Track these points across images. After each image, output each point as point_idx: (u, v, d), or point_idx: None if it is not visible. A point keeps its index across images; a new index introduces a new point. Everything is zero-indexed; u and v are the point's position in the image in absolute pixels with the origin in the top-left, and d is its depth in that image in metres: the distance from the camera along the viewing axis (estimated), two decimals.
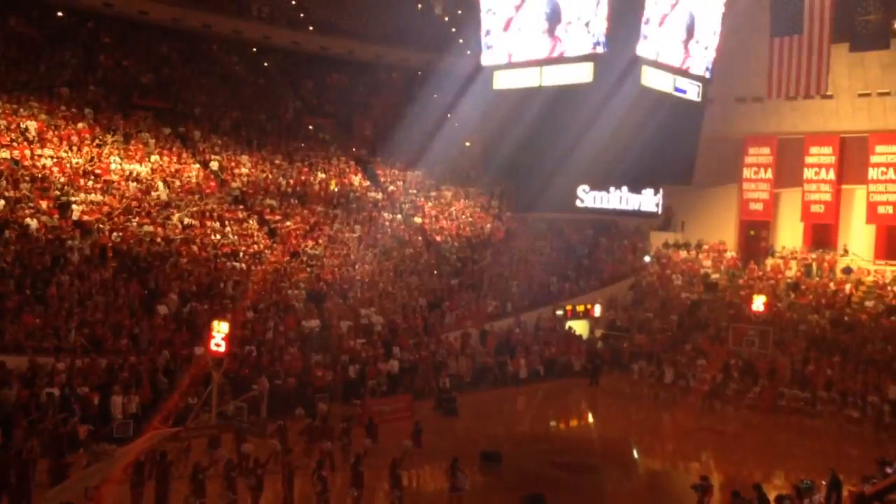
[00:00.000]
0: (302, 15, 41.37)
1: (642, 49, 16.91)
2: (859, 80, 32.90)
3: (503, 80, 18.68)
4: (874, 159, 33.45)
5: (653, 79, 17.56)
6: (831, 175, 34.93)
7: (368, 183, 38.33)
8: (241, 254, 29.11)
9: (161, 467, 15.67)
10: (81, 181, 28.46)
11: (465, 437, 23.18)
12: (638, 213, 19.04)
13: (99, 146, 30.73)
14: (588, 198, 18.60)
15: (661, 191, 18.96)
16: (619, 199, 18.62)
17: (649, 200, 18.87)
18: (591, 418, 28.97)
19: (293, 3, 41.24)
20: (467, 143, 39.81)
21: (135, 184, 29.79)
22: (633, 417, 27.81)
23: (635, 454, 23.89)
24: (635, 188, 18.59)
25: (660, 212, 19.33)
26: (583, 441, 25.20)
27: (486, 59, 18.87)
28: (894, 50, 29.43)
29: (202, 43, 38.90)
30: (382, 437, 20.05)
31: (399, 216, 36.65)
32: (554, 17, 17.35)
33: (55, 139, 29.80)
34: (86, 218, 26.86)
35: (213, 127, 36.00)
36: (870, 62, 31.59)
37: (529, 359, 30.45)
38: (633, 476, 21.88)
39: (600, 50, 16.61)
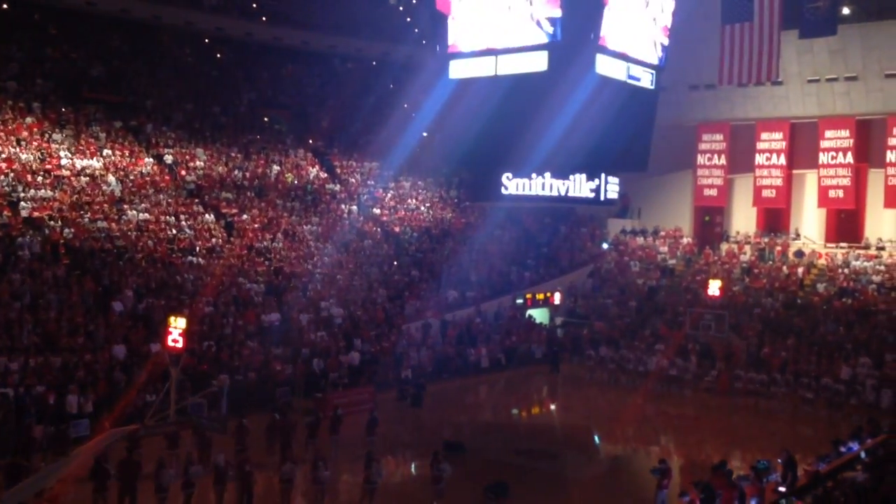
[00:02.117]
0: (255, 5, 40.81)
1: (596, 37, 16.98)
2: (808, 67, 33.49)
3: (459, 70, 18.63)
4: (824, 144, 34.09)
5: (607, 67, 17.66)
6: (782, 160, 35.53)
7: (326, 175, 38.08)
8: (198, 248, 28.75)
9: (128, 468, 15.41)
10: (30, 177, 27.83)
11: (427, 428, 23.23)
12: (566, 200, 18.54)
13: (48, 141, 30.07)
14: (511, 185, 18.63)
15: (601, 176, 18.22)
16: (541, 185, 18.48)
17: (581, 186, 18.23)
18: (552, 405, 29.22)
19: None
20: (425, 134, 39.71)
21: (86, 179, 29.22)
22: (593, 403, 28.10)
23: (596, 440, 24.15)
24: (561, 174, 18.20)
25: (602, 197, 18.38)
26: (544, 428, 25.39)
27: (442, 49, 18.81)
28: (842, 36, 29.92)
29: (153, 34, 38.17)
30: (345, 429, 20.00)
31: (357, 208, 36.48)
32: (509, 6, 17.35)
33: (2, 135, 29.09)
34: (36, 214, 26.30)
35: (166, 120, 35.41)
36: (818, 49, 32.16)
37: (490, 348, 30.59)
38: (595, 461, 22.11)
39: (555, 38, 16.66)
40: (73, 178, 28.93)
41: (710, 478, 15.99)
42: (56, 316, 22.56)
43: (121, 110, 34.21)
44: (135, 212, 28.96)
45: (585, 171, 18.06)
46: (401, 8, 43.18)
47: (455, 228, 37.66)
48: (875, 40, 31.57)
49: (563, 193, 18.32)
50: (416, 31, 38.96)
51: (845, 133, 33.68)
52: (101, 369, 21.27)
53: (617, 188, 18.99)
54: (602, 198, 18.30)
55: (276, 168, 36.18)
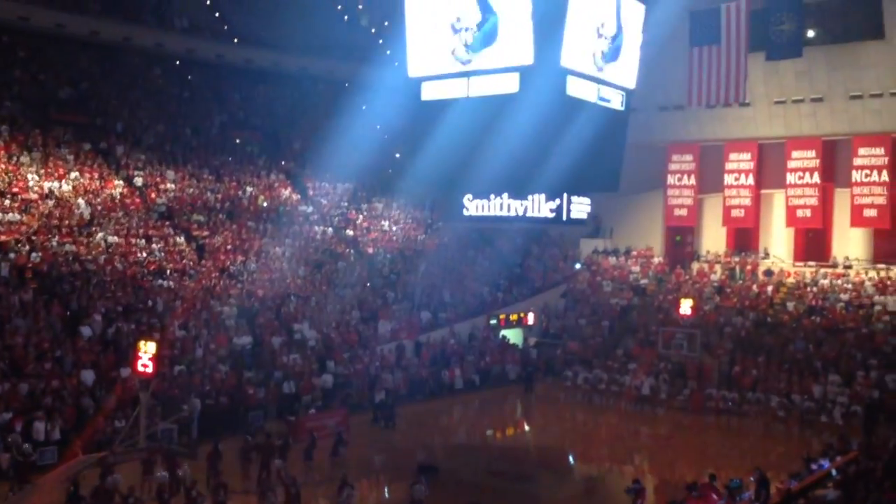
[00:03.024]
0: (225, 27, 40.79)
1: (567, 60, 17.17)
2: (775, 88, 34.01)
3: (431, 91, 18.76)
4: (791, 164, 34.58)
5: (578, 89, 17.86)
6: (751, 180, 35.97)
7: (298, 196, 37.95)
8: (169, 271, 28.46)
9: (101, 496, 15.15)
10: None
11: (401, 450, 23.08)
12: (525, 220, 18.51)
13: (16, 164, 29.69)
14: (472, 206, 18.72)
15: (562, 196, 18.21)
16: (499, 206, 18.55)
17: (541, 206, 18.23)
18: (526, 426, 29.18)
19: (216, 15, 40.64)
20: (397, 155, 39.75)
21: (54, 202, 28.87)
22: (567, 424, 28.12)
23: (570, 460, 24.14)
24: (519, 195, 18.28)
25: (564, 217, 18.35)
26: (519, 449, 25.34)
27: (414, 71, 18.91)
28: (807, 58, 30.50)
29: (122, 56, 37.97)
30: (318, 452, 19.83)
31: (330, 229, 36.37)
32: (479, 29, 17.48)
33: None
34: (3, 238, 25.91)
35: (137, 142, 35.11)
36: (784, 71, 32.69)
37: (464, 369, 30.53)
38: (569, 482, 22.09)
39: (526, 61, 16.81)
40: (40, 202, 28.57)
41: (701, 488, 16.17)
42: (23, 341, 22.17)
43: (90, 132, 33.88)
44: (104, 235, 28.63)
45: (546, 192, 18.09)
46: (373, 30, 43.39)
47: (428, 249, 37.64)
48: (840, 62, 32.16)
49: (520, 214, 18.37)
50: (388, 52, 39.12)
51: (812, 153, 34.20)
52: (68, 395, 20.92)
53: (587, 208, 19.02)
54: (565, 217, 18.28)
55: (248, 190, 35.99)
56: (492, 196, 18.55)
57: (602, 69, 18.33)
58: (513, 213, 18.44)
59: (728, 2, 28.29)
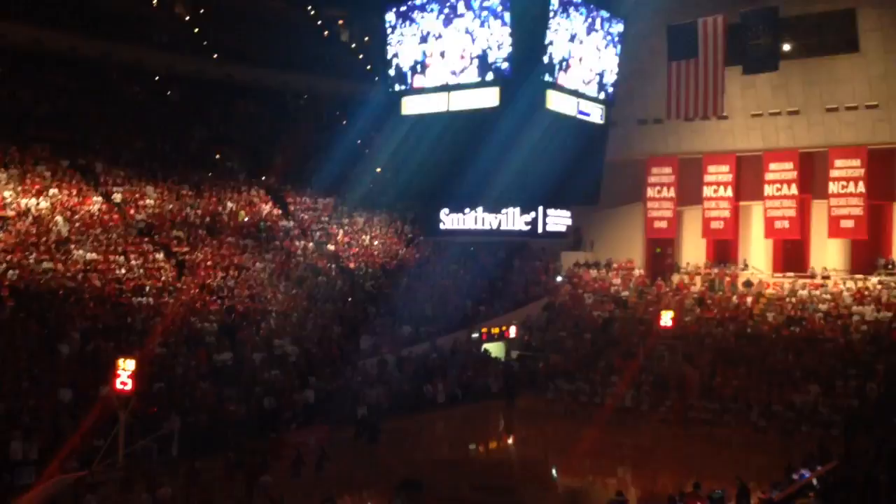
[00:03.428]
0: (205, 42, 40.80)
1: (546, 74, 17.27)
2: (752, 102, 34.37)
3: (411, 106, 18.77)
4: (769, 176, 34.90)
5: (557, 102, 17.95)
6: (729, 192, 36.25)
7: (279, 211, 37.86)
8: (148, 288, 28.26)
9: None
10: None
11: (384, 465, 22.97)
12: (499, 233, 18.55)
13: None
14: (448, 220, 18.81)
15: (537, 209, 18.20)
16: (474, 220, 18.67)
17: (515, 219, 18.27)
18: (509, 439, 29.14)
19: (195, 31, 40.67)
20: (378, 169, 39.82)
21: (31, 219, 28.63)
22: (550, 436, 28.10)
23: (553, 473, 24.11)
24: (493, 208, 18.31)
25: (540, 230, 18.33)
26: (502, 463, 25.31)
27: (394, 85, 18.95)
28: (784, 72, 30.85)
29: (101, 72, 37.83)
30: (303, 468, 19.73)
31: (311, 244, 36.29)
32: (459, 44, 17.56)
33: None
34: None
35: (116, 158, 34.93)
36: (761, 84, 33.05)
37: (446, 383, 30.47)
38: (552, 495, 22.06)
39: (506, 75, 16.89)
40: (18, 219, 28.32)
41: (686, 498, 16.24)
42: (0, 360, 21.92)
43: (68, 149, 33.67)
44: (82, 252, 28.41)
45: (520, 205, 18.15)
46: (353, 45, 43.60)
47: (410, 264, 37.64)
48: (815, 76, 32.59)
49: (495, 227, 18.45)
50: (369, 68, 39.26)
51: (789, 165, 34.55)
52: (46, 414, 20.68)
53: (566, 221, 19.03)
54: (540, 230, 18.30)
55: (228, 205, 35.86)
56: (467, 210, 18.63)
57: (581, 83, 18.43)
58: (487, 227, 18.52)
59: (705, 17, 28.61)
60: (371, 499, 20.30)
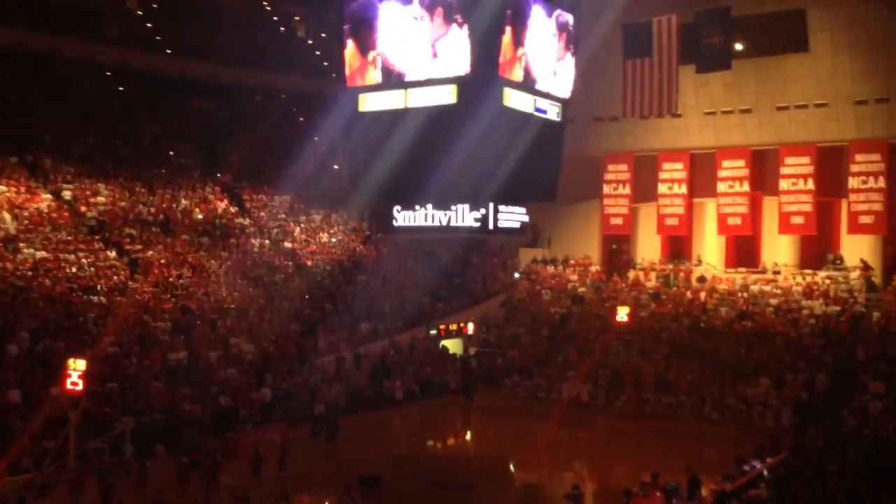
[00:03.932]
0: (158, 38, 40.16)
1: (504, 71, 17.33)
2: (705, 100, 34.89)
3: (369, 103, 18.71)
4: (721, 174, 35.44)
5: (514, 100, 18.01)
6: (683, 189, 36.74)
7: (235, 209, 37.46)
8: (100, 287, 27.77)
9: None
10: None
11: (342, 462, 22.88)
12: (449, 230, 18.51)
13: None
14: (400, 217, 18.85)
15: (488, 206, 18.05)
16: (424, 216, 18.72)
17: (465, 216, 18.16)
18: (467, 435, 29.22)
19: (148, 25, 40.01)
20: (336, 166, 39.60)
21: None
22: (507, 432, 28.22)
23: (511, 468, 24.24)
24: (442, 205, 18.30)
25: (491, 226, 18.19)
26: (460, 459, 25.37)
27: (351, 82, 18.87)
28: (736, 71, 31.35)
29: (51, 67, 37.01)
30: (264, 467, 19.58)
31: (268, 242, 35.98)
32: (417, 41, 17.55)
33: None
34: None
35: (65, 154, 34.25)
36: (714, 83, 33.56)
37: (405, 379, 30.45)
38: (510, 489, 22.19)
39: (463, 73, 16.92)
40: None
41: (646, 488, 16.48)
42: None
43: (16, 145, 32.90)
44: (31, 250, 27.82)
45: (469, 202, 18.16)
46: (310, 41, 43.23)
47: (367, 261, 37.52)
48: (767, 74, 33.17)
49: (444, 224, 18.47)
50: (326, 64, 38.99)
51: (741, 163, 35.13)
52: None
53: (521, 217, 19.08)
54: (491, 227, 18.33)
55: (182, 202, 35.38)
56: (417, 207, 18.64)
57: (538, 81, 18.54)
58: (437, 224, 18.53)
59: (659, 16, 28.96)
60: (329, 496, 20.19)
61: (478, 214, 18.01)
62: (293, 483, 18.95)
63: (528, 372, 31.88)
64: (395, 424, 28.93)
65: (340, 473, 20.95)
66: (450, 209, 18.17)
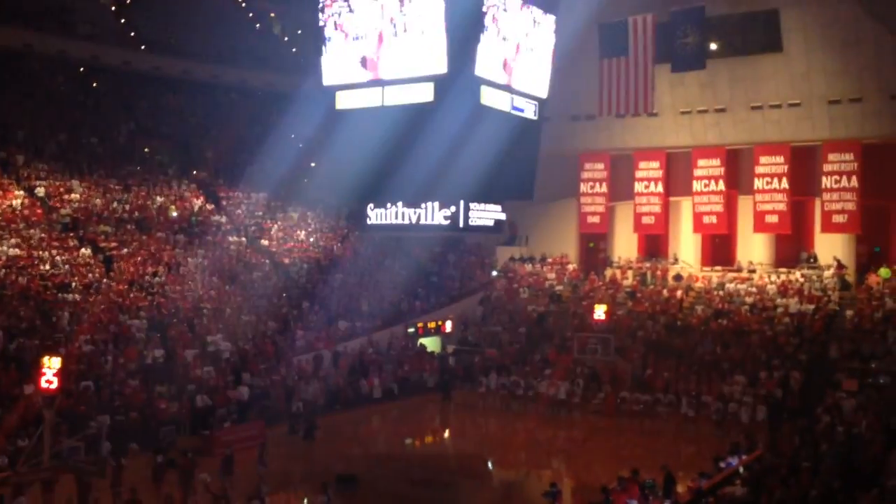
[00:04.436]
0: (132, 34, 39.80)
1: (481, 69, 17.35)
2: (681, 99, 35.13)
3: (345, 101, 18.66)
4: (697, 172, 35.69)
5: (491, 98, 18.05)
6: (659, 188, 36.95)
7: (211, 206, 37.19)
8: (74, 284, 27.47)
9: None
10: None
11: (320, 461, 22.82)
12: (419, 227, 18.59)
13: None
14: (373, 215, 18.87)
15: (458, 203, 18.05)
16: (394, 214, 18.73)
17: (434, 213, 18.21)
18: (445, 434, 29.24)
19: (121, 21, 39.64)
20: (313, 164, 39.44)
21: None
22: (485, 430, 28.32)
23: (489, 466, 24.29)
24: (412, 203, 18.34)
25: (461, 224, 18.20)
26: (438, 457, 25.39)
27: (328, 79, 18.80)
28: (711, 70, 31.61)
29: (23, 62, 36.52)
30: (238, 465, 19.45)
31: (244, 239, 35.77)
32: (394, 38, 17.52)
33: None
34: None
35: (38, 151, 33.85)
36: (689, 82, 33.79)
37: (383, 378, 30.41)
38: (488, 488, 22.23)
39: (440, 71, 16.92)
40: None
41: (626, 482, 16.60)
42: None
43: None
44: (4, 248, 27.47)
45: (439, 199, 18.15)
46: (286, 38, 43.05)
47: (345, 259, 37.40)
48: (741, 74, 33.46)
49: (414, 221, 18.46)
50: (302, 61, 38.83)
51: (716, 162, 35.40)
52: None
53: (495, 215, 19.07)
54: (461, 224, 18.29)
55: (158, 200, 35.08)
56: (388, 205, 18.63)
57: (515, 79, 18.58)
58: (407, 221, 18.51)
59: (635, 15, 29.10)
60: (306, 495, 20.11)
61: (448, 212, 18.01)
62: (271, 481, 18.82)
63: (505, 370, 31.94)
64: (373, 423, 28.90)
65: (318, 472, 20.91)
66: (419, 207, 18.17)
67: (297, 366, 28.63)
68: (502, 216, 19.52)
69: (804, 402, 26.38)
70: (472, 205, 18.25)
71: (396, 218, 18.57)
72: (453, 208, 18.01)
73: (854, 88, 31.86)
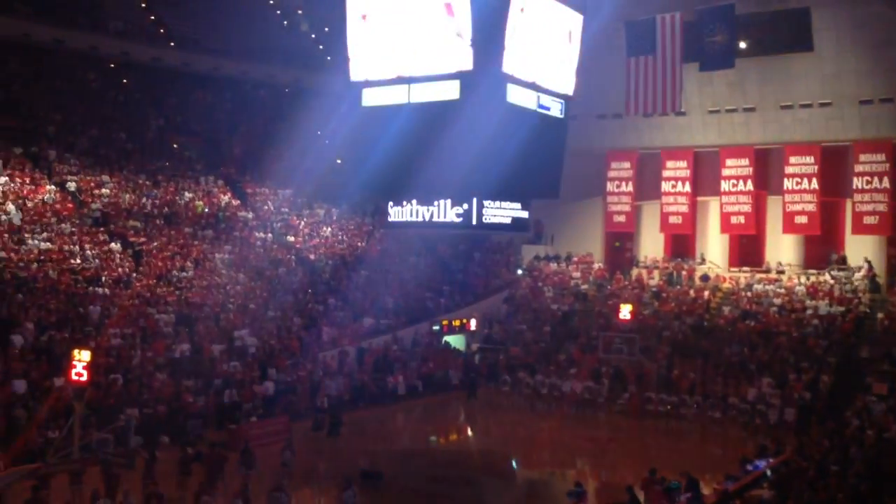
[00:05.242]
0: (162, 30, 40.18)
1: (507, 67, 17.34)
2: (709, 98, 34.88)
3: (371, 97, 18.74)
4: (725, 172, 35.43)
5: (517, 96, 18.04)
6: (687, 188, 36.72)
7: (238, 202, 37.47)
8: (104, 278, 27.81)
9: None
10: None
11: (344, 457, 22.91)
12: (432, 225, 18.67)
13: None
14: (392, 213, 18.93)
15: (471, 201, 18.07)
16: (409, 212, 18.74)
17: (447, 211, 18.26)
18: (469, 431, 29.25)
19: (151, 18, 40.03)
20: (338, 161, 39.59)
21: None
22: (509, 429, 28.25)
23: (513, 465, 24.27)
24: (426, 200, 18.42)
25: (473, 221, 18.21)
26: (462, 455, 25.38)
27: (355, 76, 18.87)
28: (740, 69, 31.34)
29: (55, 59, 37.00)
30: (260, 461, 19.55)
31: (271, 235, 35.99)
32: (421, 36, 17.54)
33: None
34: None
35: (69, 146, 34.27)
36: (718, 81, 33.55)
37: (407, 375, 30.48)
38: (512, 486, 22.20)
39: (466, 68, 16.91)
40: None
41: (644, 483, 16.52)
42: None
43: (21, 136, 32.94)
44: (36, 241, 27.86)
45: (451, 196, 18.13)
46: (313, 35, 43.22)
47: (370, 256, 37.51)
48: (770, 73, 33.14)
49: (427, 219, 18.48)
50: (329, 58, 38.99)
51: (745, 161, 35.11)
52: None
53: (511, 213, 19.00)
54: (474, 222, 18.24)
55: (186, 195, 35.40)
56: (404, 203, 18.69)
57: (541, 77, 18.53)
58: (421, 219, 18.57)
59: (663, 13, 28.90)
60: (329, 490, 20.22)
61: (460, 210, 18.00)
62: (294, 476, 18.94)
63: (530, 369, 31.89)
64: (398, 420, 28.95)
65: (342, 468, 20.99)
66: (432, 204, 18.21)
67: (322, 362, 28.77)
68: (523, 214, 19.44)
69: (833, 404, 26.11)
70: (485, 202, 18.22)
71: (412, 216, 18.66)
72: (465, 206, 18.01)
73: (885, 88, 31.49)
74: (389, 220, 19.33)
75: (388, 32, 18.11)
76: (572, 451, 25.53)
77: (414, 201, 18.58)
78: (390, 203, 19.03)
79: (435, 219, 18.36)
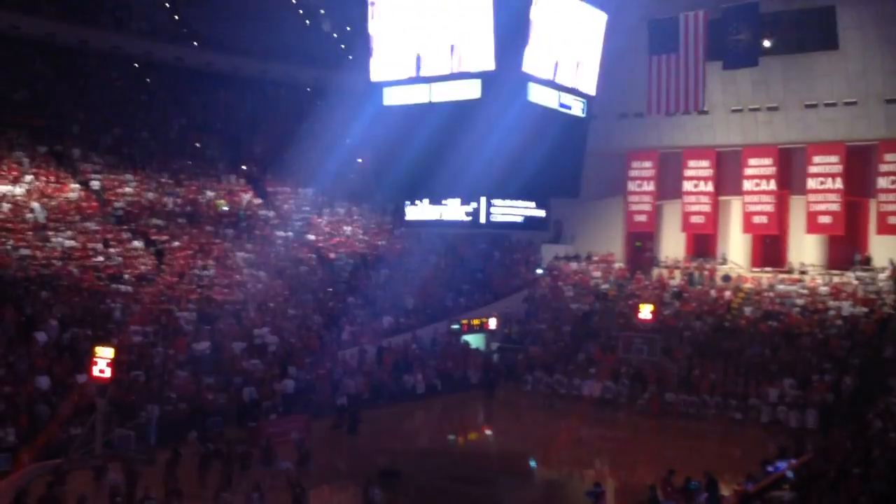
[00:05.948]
0: (185, 30, 40.47)
1: (528, 66, 17.29)
2: (732, 97, 34.61)
3: (393, 97, 18.74)
4: (748, 172, 35.17)
5: (539, 95, 17.99)
6: (709, 187, 36.49)
7: (260, 201, 37.67)
8: (126, 276, 28.06)
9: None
10: None
11: (363, 455, 23.00)
12: (442, 224, 18.73)
13: None
14: (409, 212, 18.97)
15: (479, 200, 18.00)
16: (423, 210, 18.74)
17: (456, 210, 18.27)
18: (488, 430, 29.24)
19: (175, 17, 40.32)
20: (359, 160, 39.69)
21: (8, 205, 28.32)
22: (528, 428, 28.21)
23: (532, 464, 24.22)
24: (435, 199, 18.43)
25: (482, 220, 18.11)
26: (480, 454, 25.39)
27: (376, 75, 18.90)
28: (763, 68, 31.05)
29: (79, 58, 37.37)
30: (281, 458, 19.69)
31: (291, 234, 36.14)
32: (442, 35, 17.53)
33: None
34: None
35: (93, 145, 34.60)
36: (741, 79, 33.28)
37: (426, 373, 30.51)
38: (530, 486, 22.16)
39: (488, 67, 16.89)
40: None
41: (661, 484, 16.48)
42: None
43: (45, 135, 33.31)
44: (60, 239, 28.16)
45: (461, 195, 18.12)
46: (334, 34, 43.39)
47: (390, 254, 37.58)
48: (795, 72, 32.85)
49: (438, 217, 18.49)
50: (350, 57, 39.11)
51: (768, 161, 34.83)
52: (22, 402, 20.49)
53: (524, 211, 18.94)
54: (483, 220, 18.17)
55: (208, 194, 35.64)
56: (417, 201, 18.73)
57: (563, 76, 18.47)
58: (432, 218, 18.61)
59: (686, 12, 28.71)
60: (349, 488, 20.29)
61: (469, 209, 17.98)
62: (313, 474, 19.03)
63: (549, 368, 31.81)
64: (417, 418, 29.00)
65: (361, 466, 21.07)
66: (441, 203, 18.24)
67: (342, 360, 28.86)
68: (539, 213, 19.37)
69: (856, 406, 25.83)
70: (495, 201, 18.19)
71: (425, 214, 18.73)
72: (474, 204, 18.00)
73: None
74: (406, 218, 19.40)
75: (410, 31, 18.11)
76: (591, 450, 25.46)
77: (426, 200, 18.64)
78: (407, 202, 19.07)
79: (445, 217, 18.41)
